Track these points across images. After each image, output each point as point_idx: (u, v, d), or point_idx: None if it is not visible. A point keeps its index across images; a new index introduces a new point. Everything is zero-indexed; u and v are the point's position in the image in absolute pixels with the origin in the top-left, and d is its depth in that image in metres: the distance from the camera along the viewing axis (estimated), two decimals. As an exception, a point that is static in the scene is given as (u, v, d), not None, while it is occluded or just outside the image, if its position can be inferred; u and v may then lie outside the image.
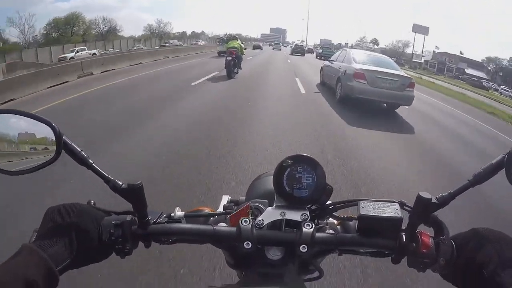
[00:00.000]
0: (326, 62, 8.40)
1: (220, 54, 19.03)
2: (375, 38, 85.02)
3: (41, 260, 0.34)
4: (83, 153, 0.42)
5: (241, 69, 9.75)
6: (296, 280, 0.48)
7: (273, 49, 43.34)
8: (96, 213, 0.43)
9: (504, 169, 0.39)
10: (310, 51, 43.32)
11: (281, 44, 58.38)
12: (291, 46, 48.53)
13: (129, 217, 0.43)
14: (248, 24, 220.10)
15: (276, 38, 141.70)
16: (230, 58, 8.70)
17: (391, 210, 0.43)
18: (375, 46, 76.83)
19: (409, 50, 62.15)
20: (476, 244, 0.39)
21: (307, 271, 0.52)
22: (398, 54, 58.31)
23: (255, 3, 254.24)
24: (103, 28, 48.15)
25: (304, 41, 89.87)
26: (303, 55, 31.27)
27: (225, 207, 0.58)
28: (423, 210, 0.41)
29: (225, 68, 8.84)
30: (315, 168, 0.49)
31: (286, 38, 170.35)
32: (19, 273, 0.32)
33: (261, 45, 42.18)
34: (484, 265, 0.37)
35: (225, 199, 0.65)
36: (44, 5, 79.62)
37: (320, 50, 30.92)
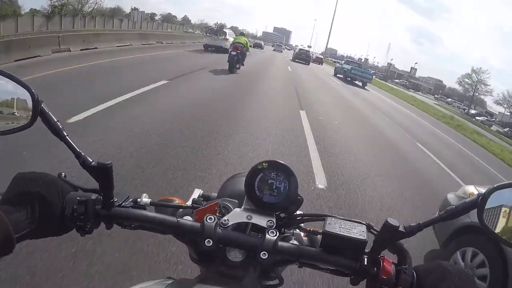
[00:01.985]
0: None
1: (208, 48, 16.53)
2: None
3: (1, 225, 0.35)
4: (58, 124, 0.44)
5: (243, 65, 10.15)
6: (255, 285, 0.50)
7: (274, 50, 43.67)
8: (63, 186, 0.44)
9: (476, 209, 0.42)
10: (319, 60, 35.24)
11: (282, 46, 56.84)
12: (294, 50, 41.04)
13: (94, 196, 0.45)
14: (247, 18, 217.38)
15: (278, 38, 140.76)
16: (234, 53, 9.27)
17: (357, 231, 0.45)
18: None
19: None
20: (437, 277, 0.41)
21: (268, 277, 0.53)
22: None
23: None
24: None
25: (310, 47, 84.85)
26: (307, 63, 26.38)
27: (194, 201, 0.58)
28: (388, 236, 0.43)
29: (227, 61, 9.38)
30: (289, 177, 0.50)
31: (289, 40, 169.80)
32: None
33: (262, 43, 40.68)
34: None
35: (196, 193, 0.65)
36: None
37: (347, 67, 20.77)
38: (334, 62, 34.96)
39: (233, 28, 16.95)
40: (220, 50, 16.29)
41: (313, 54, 37.98)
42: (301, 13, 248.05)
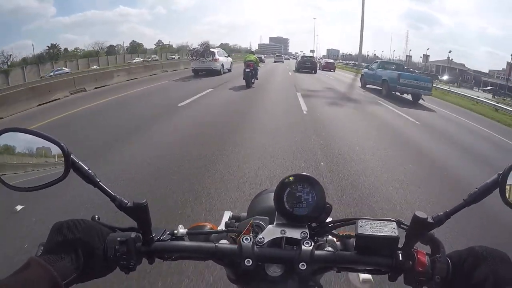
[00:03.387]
0: None
1: (198, 72, 14.65)
2: None
3: (48, 274, 0.38)
4: (90, 171, 0.47)
5: (257, 79, 11.77)
6: None
7: (275, 61, 41.81)
8: (101, 229, 0.47)
9: (498, 188, 0.44)
10: (330, 67, 30.26)
11: (283, 56, 55.24)
12: (296, 59, 35.22)
13: (133, 234, 0.48)
14: (241, 33, 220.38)
15: (276, 48, 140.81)
16: (248, 70, 11.01)
17: (388, 229, 0.47)
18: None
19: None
20: (472, 263, 0.43)
21: (307, 287, 0.56)
22: None
23: (249, 9, 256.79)
24: None
25: (313, 51, 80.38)
26: (314, 71, 23.28)
27: (226, 224, 0.65)
28: (419, 229, 0.46)
29: (243, 79, 11.18)
30: (315, 187, 0.53)
31: (288, 48, 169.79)
32: (27, 286, 0.36)
33: (263, 57, 37.57)
34: (479, 284, 0.40)
35: (226, 215, 0.72)
36: (45, 20, 77.44)
37: (386, 74, 12.87)
38: (345, 64, 29.73)
39: (223, 45, 14.91)
40: (212, 73, 14.38)
41: (319, 60, 34.42)
42: (295, 17, 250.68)
